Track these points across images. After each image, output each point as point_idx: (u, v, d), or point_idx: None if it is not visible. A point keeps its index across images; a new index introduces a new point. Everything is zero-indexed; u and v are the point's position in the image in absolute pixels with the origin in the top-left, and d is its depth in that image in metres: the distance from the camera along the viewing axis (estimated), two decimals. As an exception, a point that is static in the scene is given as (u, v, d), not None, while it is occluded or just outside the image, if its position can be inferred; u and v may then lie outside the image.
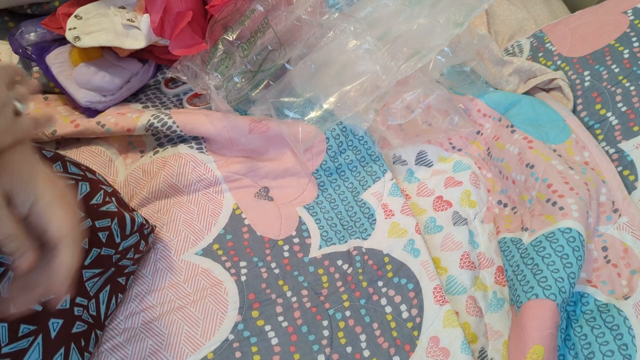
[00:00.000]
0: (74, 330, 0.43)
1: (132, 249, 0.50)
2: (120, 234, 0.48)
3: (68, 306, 0.43)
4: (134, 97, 0.70)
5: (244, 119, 0.64)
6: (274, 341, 0.51)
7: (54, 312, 0.42)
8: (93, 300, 0.46)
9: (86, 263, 0.45)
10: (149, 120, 0.61)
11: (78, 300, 0.44)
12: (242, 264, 0.55)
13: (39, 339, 0.41)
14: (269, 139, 0.65)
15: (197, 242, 0.56)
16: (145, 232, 0.52)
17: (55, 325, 0.42)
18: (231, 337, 0.50)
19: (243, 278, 0.54)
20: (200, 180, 0.60)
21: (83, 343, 0.44)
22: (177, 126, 0.61)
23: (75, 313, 0.43)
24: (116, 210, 0.48)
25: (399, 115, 0.70)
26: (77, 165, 0.49)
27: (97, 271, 0.46)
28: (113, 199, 0.49)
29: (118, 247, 0.48)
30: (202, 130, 0.61)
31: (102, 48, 0.67)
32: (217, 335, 0.50)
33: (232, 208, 0.59)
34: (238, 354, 0.49)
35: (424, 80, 0.71)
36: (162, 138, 0.64)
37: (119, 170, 0.63)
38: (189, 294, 0.52)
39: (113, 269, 0.48)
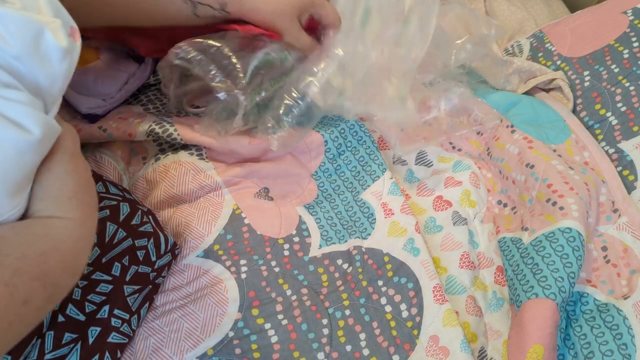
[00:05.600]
0: (109, 339, 0.45)
1: (166, 268, 0.52)
2: (155, 253, 0.49)
3: (106, 316, 0.45)
4: (134, 99, 0.70)
5: (243, 134, 0.63)
6: (274, 339, 0.51)
7: (93, 321, 0.44)
8: (135, 316, 0.48)
9: (127, 279, 0.47)
10: (150, 125, 0.61)
11: (116, 312, 0.46)
12: (243, 262, 0.55)
13: (78, 345, 0.43)
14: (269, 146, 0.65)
15: (198, 245, 0.56)
16: (176, 252, 0.54)
17: (93, 332, 0.44)
18: (231, 334, 0.50)
19: (243, 276, 0.54)
20: (201, 188, 0.60)
21: (119, 354, 0.46)
22: (178, 134, 0.61)
23: (112, 324, 0.45)
24: (152, 230, 0.50)
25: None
26: (115, 185, 0.50)
27: (136, 287, 0.48)
28: (150, 218, 0.51)
29: (154, 265, 0.49)
30: (202, 141, 0.61)
31: (98, 50, 0.67)
32: (217, 332, 0.50)
33: (232, 208, 0.59)
34: (238, 351, 0.49)
35: (441, 81, 0.70)
36: (164, 144, 0.64)
37: (123, 180, 0.63)
38: (191, 293, 0.53)
39: (150, 286, 0.50)
